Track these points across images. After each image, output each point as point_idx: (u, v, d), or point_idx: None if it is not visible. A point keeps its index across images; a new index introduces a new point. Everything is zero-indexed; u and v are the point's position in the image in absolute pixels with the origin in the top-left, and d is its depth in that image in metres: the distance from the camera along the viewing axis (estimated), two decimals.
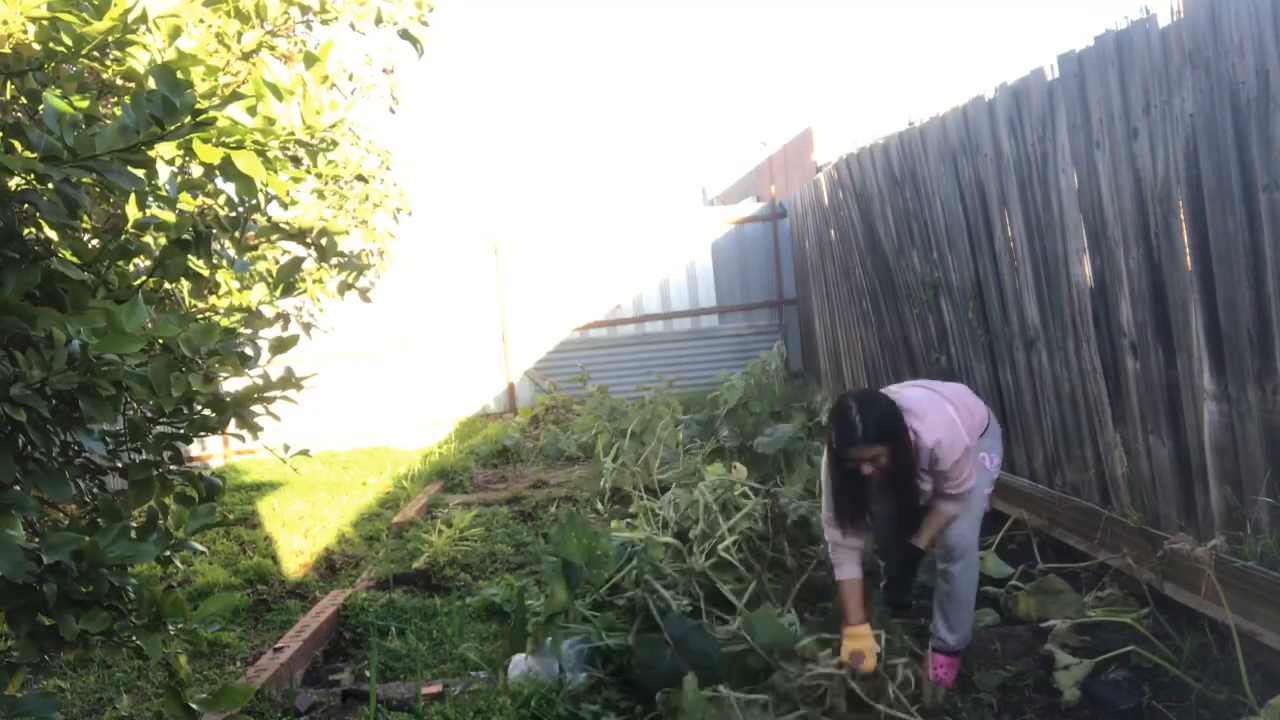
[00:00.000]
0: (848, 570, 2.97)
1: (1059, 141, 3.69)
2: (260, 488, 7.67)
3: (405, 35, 2.80)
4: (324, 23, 2.74)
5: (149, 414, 2.01)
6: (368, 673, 3.54)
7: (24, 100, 1.85)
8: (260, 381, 2.05)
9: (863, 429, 2.75)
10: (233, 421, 2.02)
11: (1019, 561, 3.93)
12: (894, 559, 3.47)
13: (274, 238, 2.30)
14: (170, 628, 1.82)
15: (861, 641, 2.85)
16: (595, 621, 3.10)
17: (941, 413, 2.93)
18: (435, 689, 3.18)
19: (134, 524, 1.77)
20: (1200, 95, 2.88)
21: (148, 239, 1.92)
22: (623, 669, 3.10)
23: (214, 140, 1.70)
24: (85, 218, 2.01)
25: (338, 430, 9.55)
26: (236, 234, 2.07)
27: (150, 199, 1.91)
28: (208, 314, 2.19)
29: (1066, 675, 2.90)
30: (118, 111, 2.14)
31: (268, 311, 2.25)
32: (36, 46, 1.75)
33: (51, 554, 1.57)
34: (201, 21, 2.31)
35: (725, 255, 9.99)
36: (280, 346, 2.06)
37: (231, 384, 2.28)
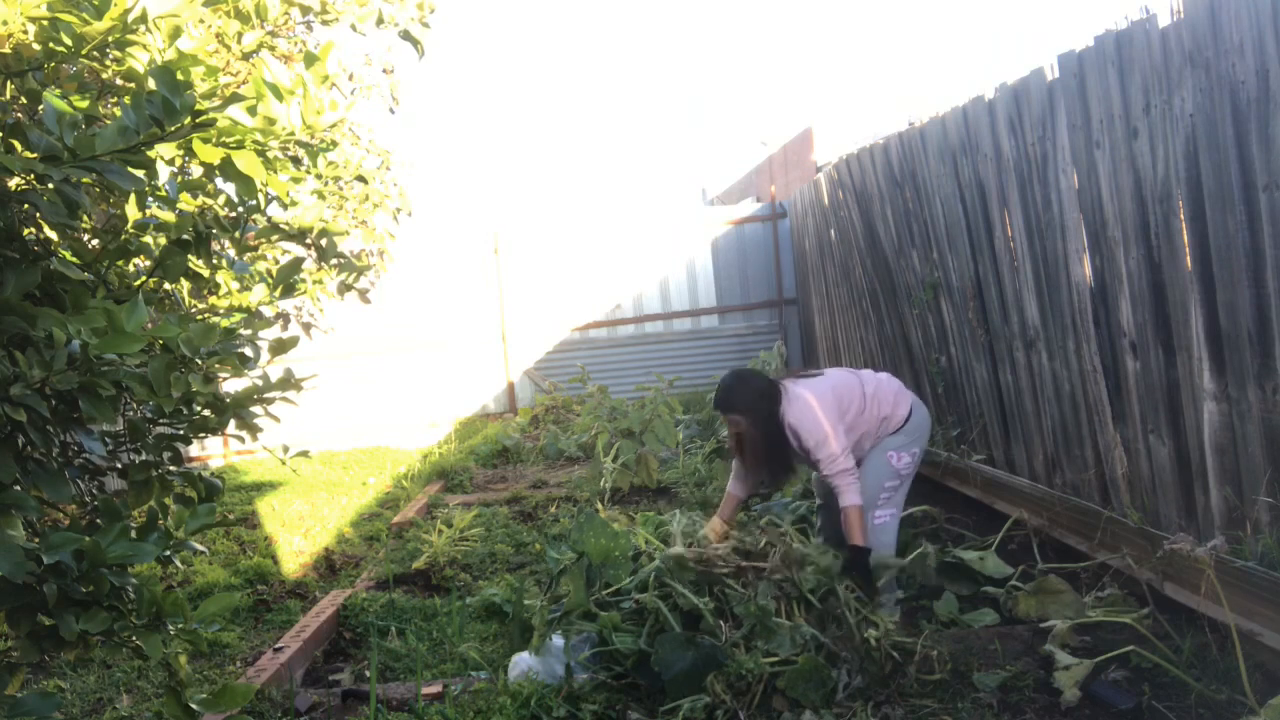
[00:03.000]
0: (729, 488, 3.78)
1: (1059, 141, 3.69)
2: (260, 488, 7.67)
3: (406, 36, 2.80)
4: (324, 23, 2.74)
5: (149, 414, 2.01)
6: (368, 673, 3.54)
7: (24, 100, 1.85)
8: (260, 382, 2.05)
9: (721, 399, 3.55)
10: (232, 422, 2.02)
11: (1019, 561, 3.93)
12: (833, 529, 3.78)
13: (274, 238, 2.30)
14: (170, 628, 1.82)
15: (712, 525, 3.63)
16: (604, 619, 3.09)
17: (807, 401, 3.46)
18: (435, 689, 3.18)
19: (134, 524, 1.77)
20: (1200, 95, 2.88)
21: (148, 239, 1.92)
22: (624, 674, 3.06)
23: (214, 140, 1.70)
24: (85, 218, 2.01)
25: (338, 430, 9.55)
26: (236, 234, 2.06)
27: (150, 199, 1.91)
28: (208, 314, 2.19)
29: (1066, 675, 2.90)
30: (117, 112, 2.14)
31: (268, 312, 2.26)
32: (36, 46, 1.75)
33: (51, 554, 1.57)
34: (201, 22, 2.31)
35: (725, 255, 9.99)
36: (280, 347, 2.06)
37: (231, 384, 2.28)
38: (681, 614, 3.05)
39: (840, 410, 3.51)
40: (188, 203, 2.01)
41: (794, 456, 3.59)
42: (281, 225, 2.23)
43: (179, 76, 1.60)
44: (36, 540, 1.70)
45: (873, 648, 2.98)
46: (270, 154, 1.83)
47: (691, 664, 2.82)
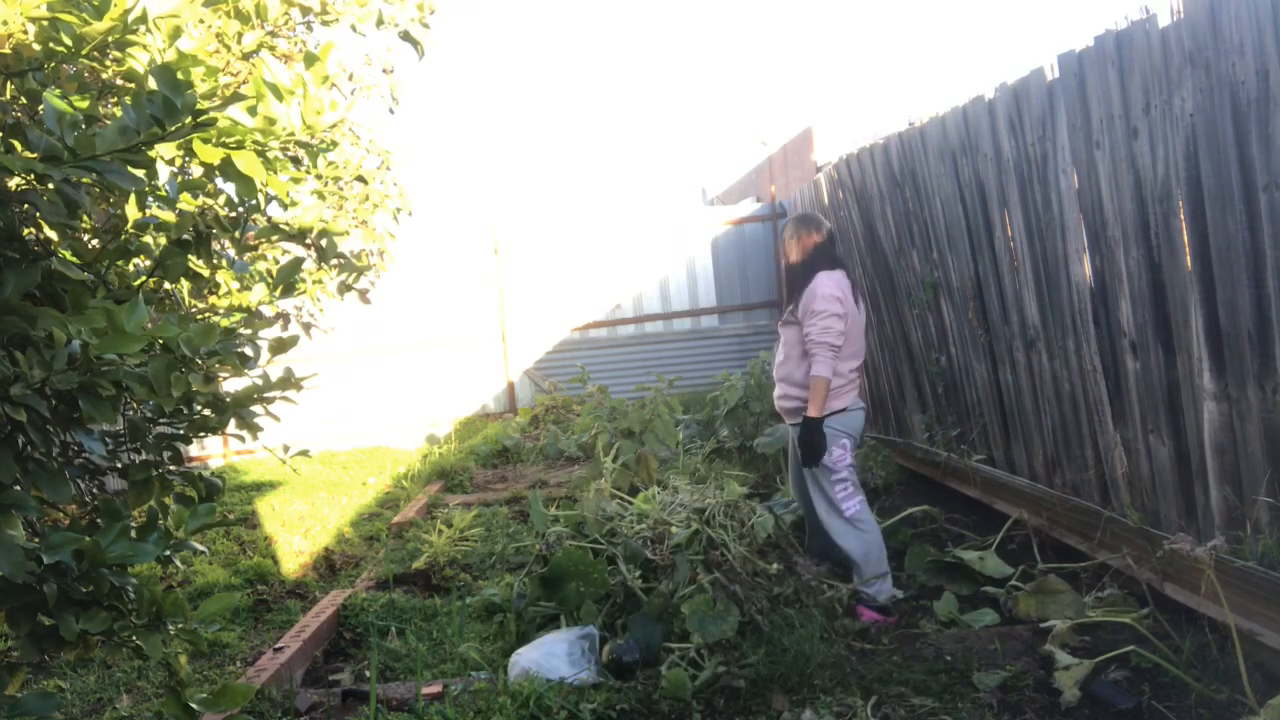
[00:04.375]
0: None
1: (1059, 141, 3.69)
2: (260, 488, 7.67)
3: (406, 37, 2.79)
4: (324, 23, 2.73)
5: (149, 414, 2.01)
6: (368, 673, 3.54)
7: (24, 100, 1.85)
8: (260, 382, 2.05)
9: (806, 224, 3.89)
10: (232, 422, 2.02)
11: (1019, 561, 3.93)
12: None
13: (274, 238, 2.30)
14: (170, 628, 1.82)
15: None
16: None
17: (832, 285, 3.73)
18: (435, 689, 3.18)
19: (134, 524, 1.77)
20: (1200, 95, 2.88)
21: (148, 239, 1.92)
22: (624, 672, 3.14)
23: (214, 140, 1.70)
24: (85, 218, 2.01)
25: (338, 430, 9.55)
26: (236, 234, 2.06)
27: (150, 199, 1.91)
28: (208, 314, 2.19)
29: (1066, 675, 2.90)
30: (118, 111, 2.14)
31: (268, 311, 2.25)
32: (36, 46, 1.75)
33: (51, 554, 1.57)
34: (201, 22, 2.31)
35: (725, 255, 9.99)
36: (280, 347, 2.06)
37: (231, 384, 2.28)
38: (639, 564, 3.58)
39: (842, 318, 3.72)
40: (188, 203, 2.01)
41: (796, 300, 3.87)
42: (281, 225, 2.23)
43: (179, 76, 1.60)
44: (36, 540, 1.70)
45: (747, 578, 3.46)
46: (270, 154, 1.83)
47: (662, 634, 3.30)
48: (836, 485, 3.75)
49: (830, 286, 3.73)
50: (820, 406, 3.67)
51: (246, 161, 1.72)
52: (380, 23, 2.72)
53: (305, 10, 2.69)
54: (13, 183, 1.66)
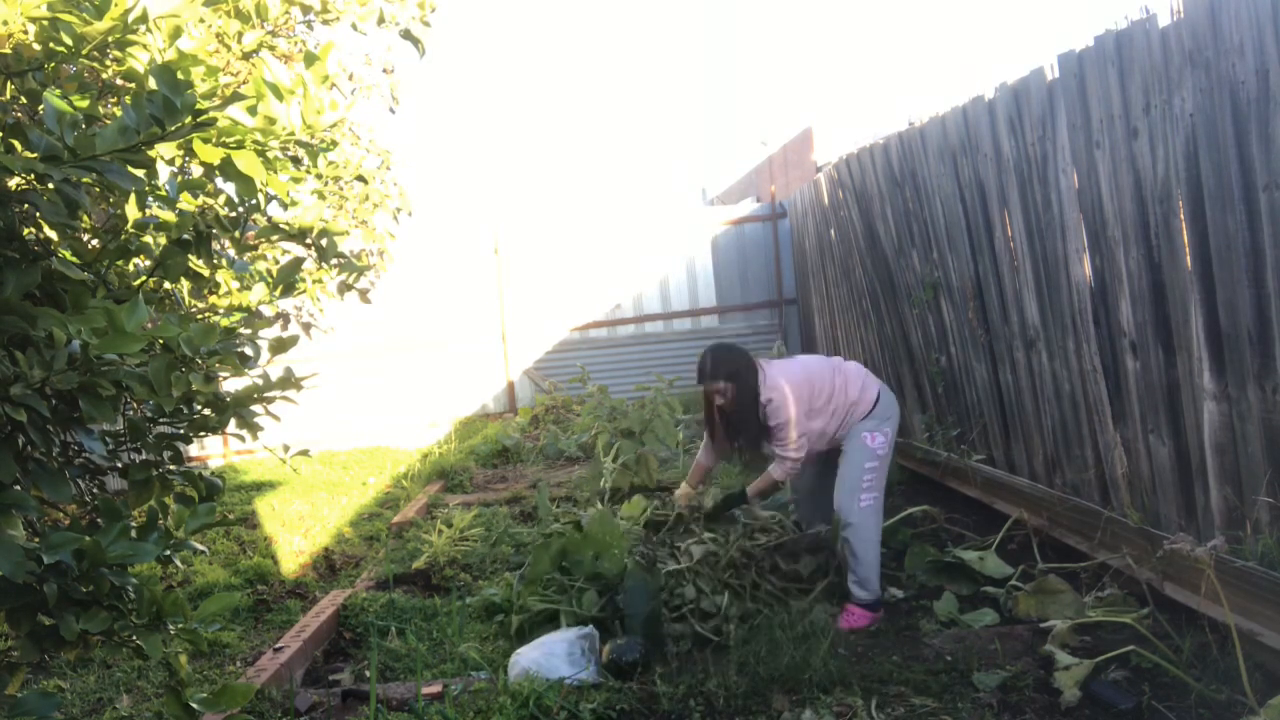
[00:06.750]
0: (698, 458, 4.12)
1: (1059, 141, 3.69)
2: (260, 488, 7.67)
3: (407, 36, 2.80)
4: (325, 23, 2.74)
5: (149, 414, 2.01)
6: (368, 673, 3.54)
7: (24, 100, 1.85)
8: (260, 381, 2.05)
9: (710, 369, 3.73)
10: (233, 421, 2.02)
11: (1019, 561, 3.93)
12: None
13: (274, 238, 2.30)
14: (170, 627, 1.82)
15: (681, 490, 4.14)
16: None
17: (785, 382, 3.64)
18: (435, 689, 3.17)
19: (134, 524, 1.77)
20: (1200, 95, 2.88)
21: (148, 239, 1.92)
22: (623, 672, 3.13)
23: (214, 140, 1.70)
24: (85, 218, 2.01)
25: (337, 430, 9.55)
26: (236, 234, 2.06)
27: (150, 199, 1.91)
28: (208, 314, 2.19)
29: (1066, 675, 2.90)
30: (117, 111, 2.14)
31: (268, 311, 2.25)
32: (36, 46, 1.75)
33: (52, 554, 1.57)
34: (202, 21, 2.31)
35: (725, 255, 9.99)
36: (280, 346, 2.06)
37: (231, 384, 2.28)
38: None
39: (811, 396, 3.68)
40: (188, 202, 2.01)
41: (762, 429, 3.76)
42: (281, 225, 2.23)
43: (179, 76, 1.60)
44: (37, 540, 1.70)
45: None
46: (270, 154, 1.83)
47: (651, 611, 3.42)
48: (866, 475, 3.69)
49: (771, 396, 3.62)
50: (757, 490, 3.84)
51: (246, 161, 1.72)
52: (381, 21, 2.72)
53: (306, 9, 2.69)
54: (13, 183, 1.66)
